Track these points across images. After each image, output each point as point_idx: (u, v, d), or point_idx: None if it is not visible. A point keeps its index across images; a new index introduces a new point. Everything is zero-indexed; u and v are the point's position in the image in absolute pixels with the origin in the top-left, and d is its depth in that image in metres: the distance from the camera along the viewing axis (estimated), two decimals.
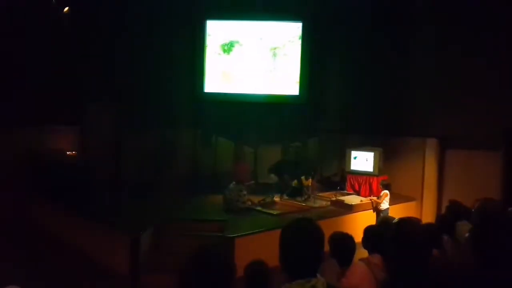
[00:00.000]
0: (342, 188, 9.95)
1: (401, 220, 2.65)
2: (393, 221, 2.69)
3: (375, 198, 8.58)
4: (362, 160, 9.83)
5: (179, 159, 10.48)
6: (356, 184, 9.86)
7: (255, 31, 10.82)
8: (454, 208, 5.01)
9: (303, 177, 9.58)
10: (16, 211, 8.91)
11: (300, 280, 2.00)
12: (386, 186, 8.35)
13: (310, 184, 9.65)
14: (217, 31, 10.90)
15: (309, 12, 10.55)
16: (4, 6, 8.91)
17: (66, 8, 9.55)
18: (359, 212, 8.65)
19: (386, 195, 8.26)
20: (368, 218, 8.00)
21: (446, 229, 4.29)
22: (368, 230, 3.98)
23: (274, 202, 9.02)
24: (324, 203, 9.21)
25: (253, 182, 9.71)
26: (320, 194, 9.79)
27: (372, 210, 8.53)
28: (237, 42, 10.84)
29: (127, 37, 9.87)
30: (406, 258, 2.24)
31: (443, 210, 7.31)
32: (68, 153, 10.11)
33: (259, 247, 6.12)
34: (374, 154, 9.68)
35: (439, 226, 4.34)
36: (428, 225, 4.49)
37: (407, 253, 2.25)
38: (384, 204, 8.25)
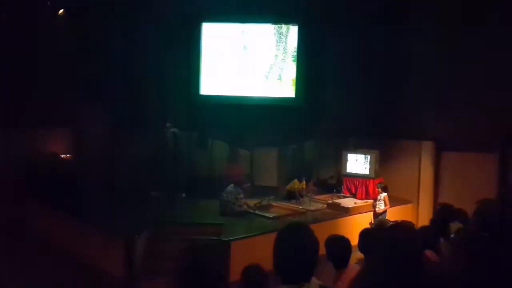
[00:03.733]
0: (339, 191, 9.93)
1: (394, 225, 2.66)
2: (387, 226, 2.71)
3: (382, 204, 8.24)
4: (359, 163, 9.83)
5: (175, 162, 10.42)
6: (353, 187, 9.86)
7: (251, 34, 10.80)
8: (445, 210, 5.01)
9: (296, 180, 9.58)
10: (10, 214, 8.84)
11: (293, 285, 2.00)
12: (384, 189, 8.33)
13: (304, 187, 9.64)
14: (212, 33, 10.88)
15: (305, 15, 10.55)
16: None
17: (61, 11, 9.52)
18: (355, 215, 8.65)
19: (386, 197, 8.24)
20: (364, 221, 7.97)
21: (441, 232, 4.28)
22: (364, 233, 3.97)
23: (270, 205, 9.00)
24: (320, 205, 9.20)
25: (249, 184, 9.69)
26: (316, 197, 9.78)
27: (370, 221, 8.37)
28: (233, 44, 10.81)
29: (122, 39, 9.83)
30: (399, 262, 2.24)
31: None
32: (62, 156, 10.05)
33: (255, 251, 6.08)
34: (371, 157, 9.69)
35: (434, 229, 4.34)
36: (424, 228, 4.49)
37: (400, 258, 2.24)
38: (382, 207, 8.23)
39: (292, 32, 10.78)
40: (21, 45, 9.24)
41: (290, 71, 10.83)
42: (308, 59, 10.65)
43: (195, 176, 10.44)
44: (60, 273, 6.67)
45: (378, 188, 8.57)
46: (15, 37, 9.11)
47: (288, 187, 9.75)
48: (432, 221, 5.30)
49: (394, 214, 8.37)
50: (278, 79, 10.87)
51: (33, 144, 9.68)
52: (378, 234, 3.79)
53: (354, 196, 9.70)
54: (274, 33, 10.80)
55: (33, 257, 7.32)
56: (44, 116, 9.61)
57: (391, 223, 4.94)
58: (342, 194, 9.84)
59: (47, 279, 6.41)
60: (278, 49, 10.83)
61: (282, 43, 10.80)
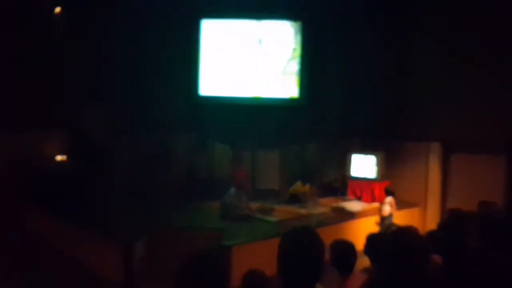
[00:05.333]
0: (343, 194, 9.81)
1: (399, 229, 2.67)
2: (390, 231, 2.73)
3: (388, 207, 8.00)
4: (364, 165, 9.69)
5: (175, 164, 10.35)
6: (358, 190, 9.72)
7: (252, 32, 10.68)
8: (455, 217, 4.85)
9: (299, 182, 9.46)
10: (6, 218, 8.77)
11: None
12: (390, 193, 8.18)
13: (308, 190, 9.50)
14: (213, 31, 10.75)
15: (308, 13, 10.46)
16: None
17: (58, 9, 9.45)
18: (361, 219, 8.48)
19: (393, 201, 8.09)
20: (370, 225, 7.84)
21: (453, 237, 4.12)
22: (371, 237, 3.86)
23: (272, 209, 8.84)
24: (324, 209, 9.04)
25: (250, 187, 9.57)
26: (320, 200, 9.60)
27: (377, 223, 8.19)
28: (234, 43, 10.70)
29: (120, 39, 9.77)
30: (403, 267, 2.19)
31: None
32: (59, 158, 9.96)
33: (257, 256, 5.94)
34: (376, 159, 9.55)
35: (445, 234, 4.17)
36: (432, 232, 4.35)
37: (403, 263, 2.19)
38: (388, 210, 8.08)
39: (296, 30, 10.67)
40: (20, 46, 9.19)
41: (293, 70, 10.70)
42: (311, 58, 10.55)
43: (195, 178, 10.37)
44: (58, 277, 6.55)
45: (384, 192, 8.44)
46: (12, 38, 9.06)
47: (291, 190, 9.61)
48: (441, 224, 5.15)
49: (401, 218, 8.25)
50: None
51: (31, 146, 9.61)
52: (385, 239, 3.67)
53: (359, 199, 9.55)
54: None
55: (31, 261, 7.22)
56: (43, 117, 9.56)
57: (396, 227, 4.81)
58: (347, 197, 9.70)
59: (45, 283, 6.35)
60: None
61: (285, 42, 10.68)
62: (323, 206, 9.24)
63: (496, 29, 8.33)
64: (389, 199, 8.07)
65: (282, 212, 8.82)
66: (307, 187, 9.51)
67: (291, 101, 10.65)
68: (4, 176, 9.04)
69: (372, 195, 9.42)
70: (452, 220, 4.85)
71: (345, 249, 3.56)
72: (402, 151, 9.97)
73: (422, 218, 9.49)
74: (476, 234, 3.79)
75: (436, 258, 3.40)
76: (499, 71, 8.32)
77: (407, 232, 2.46)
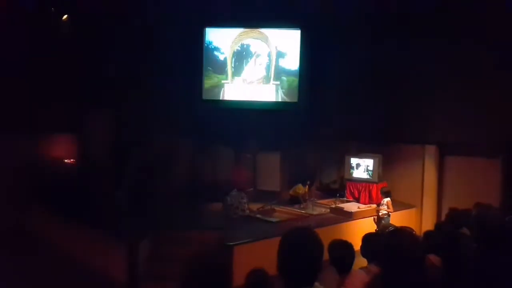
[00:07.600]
0: (342, 195, 9.93)
1: (395, 230, 2.67)
2: (386, 232, 2.75)
3: (385, 208, 8.14)
4: (362, 167, 9.82)
5: (178, 166, 10.45)
6: (356, 191, 9.84)
7: (254, 39, 10.83)
8: (454, 216, 4.99)
9: (300, 185, 9.58)
10: (14, 219, 8.86)
11: None
12: (387, 194, 8.30)
13: (307, 191, 9.64)
14: (216, 38, 10.93)
15: (307, 19, 10.58)
16: (3, 14, 8.93)
17: (65, 16, 9.59)
18: (358, 220, 8.63)
19: (389, 202, 8.22)
20: (368, 226, 7.97)
21: (448, 238, 4.26)
22: (367, 238, 3.95)
23: (273, 210, 8.99)
24: (323, 210, 9.20)
25: (252, 189, 9.69)
26: (319, 202, 9.76)
27: (374, 220, 8.33)
28: (236, 49, 10.85)
29: (126, 44, 9.88)
30: (398, 268, 2.24)
31: (443, 217, 7.26)
32: (66, 161, 10.08)
33: (259, 255, 6.07)
34: (374, 161, 9.68)
35: (440, 235, 4.31)
36: (428, 232, 4.48)
37: (398, 264, 2.25)
38: (385, 211, 8.21)
39: (295, 36, 10.80)
40: (24, 50, 9.29)
41: (293, 75, 10.83)
42: (311, 63, 10.66)
43: (198, 180, 10.45)
44: (64, 278, 6.66)
45: (381, 193, 8.54)
46: (18, 43, 9.16)
47: (291, 191, 9.75)
48: (437, 226, 5.29)
49: (397, 219, 8.36)
50: (281, 83, 10.88)
51: (37, 149, 9.71)
52: (380, 240, 3.79)
53: (357, 200, 9.68)
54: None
55: (36, 262, 7.33)
56: (48, 121, 9.66)
57: (393, 227, 4.93)
58: (345, 199, 9.80)
59: (50, 284, 6.41)
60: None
61: (285, 47, 10.83)
62: (322, 207, 9.40)
63: (492, 36, 8.40)
64: (386, 200, 8.20)
65: (282, 213, 8.99)
66: (306, 188, 9.66)
67: (291, 105, 10.77)
68: (12, 178, 9.13)
69: (370, 197, 9.56)
70: (449, 221, 5.00)
71: (343, 248, 3.63)
72: (399, 153, 10.10)
73: (419, 219, 9.61)
74: (473, 235, 3.90)
75: (433, 258, 3.53)
76: (494, 76, 8.40)
77: (402, 233, 2.52)
